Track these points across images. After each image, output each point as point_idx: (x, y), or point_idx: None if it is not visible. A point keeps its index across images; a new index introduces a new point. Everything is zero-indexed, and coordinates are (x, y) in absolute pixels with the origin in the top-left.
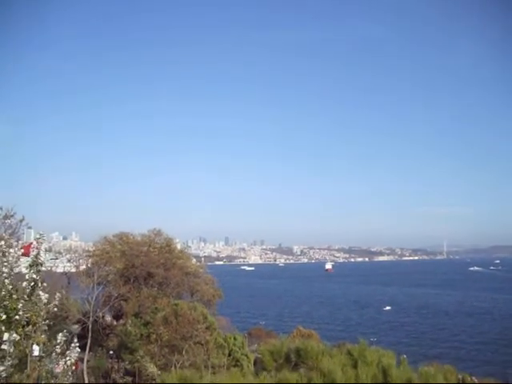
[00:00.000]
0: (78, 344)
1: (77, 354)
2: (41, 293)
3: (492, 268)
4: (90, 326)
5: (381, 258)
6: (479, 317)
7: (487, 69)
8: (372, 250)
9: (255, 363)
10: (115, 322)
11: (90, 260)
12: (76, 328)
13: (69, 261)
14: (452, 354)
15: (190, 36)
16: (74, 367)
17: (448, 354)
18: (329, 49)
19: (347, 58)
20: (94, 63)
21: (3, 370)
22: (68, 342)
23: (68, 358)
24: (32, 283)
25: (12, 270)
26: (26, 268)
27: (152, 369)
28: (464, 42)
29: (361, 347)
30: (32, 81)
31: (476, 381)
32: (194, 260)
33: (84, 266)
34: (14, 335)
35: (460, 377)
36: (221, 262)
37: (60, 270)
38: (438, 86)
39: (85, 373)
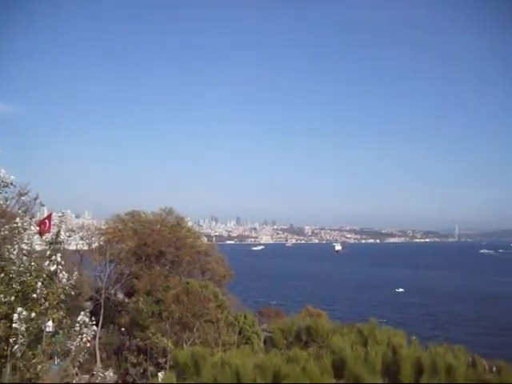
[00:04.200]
0: (94, 322)
1: (93, 332)
2: (58, 271)
3: (501, 251)
4: (103, 303)
5: (392, 240)
6: (494, 301)
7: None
8: (383, 231)
9: (265, 342)
10: (127, 300)
11: (102, 238)
12: (88, 305)
13: (81, 238)
14: (465, 338)
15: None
16: (88, 344)
17: (461, 338)
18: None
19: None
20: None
21: (17, 348)
22: (85, 321)
23: (84, 335)
24: (53, 263)
25: (31, 247)
26: (40, 245)
27: (165, 344)
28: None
29: (371, 326)
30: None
31: (485, 363)
32: (206, 239)
33: (96, 244)
34: (24, 313)
35: (470, 358)
36: (232, 242)
37: (73, 247)
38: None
39: (97, 349)
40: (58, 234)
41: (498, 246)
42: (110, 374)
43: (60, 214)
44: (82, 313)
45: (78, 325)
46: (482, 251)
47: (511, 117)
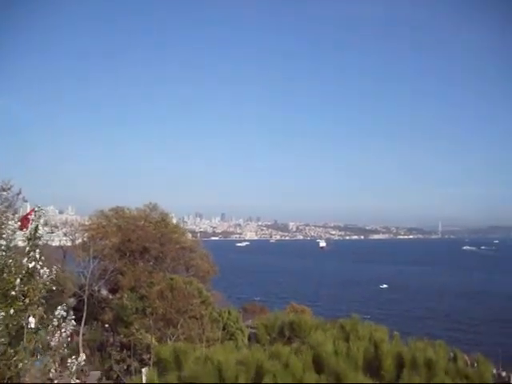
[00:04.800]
0: (73, 317)
1: (72, 327)
2: (39, 267)
3: (483, 248)
4: (86, 300)
5: (376, 237)
6: (471, 297)
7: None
8: (367, 228)
9: (249, 338)
10: (111, 296)
11: (85, 234)
12: (72, 301)
13: (65, 234)
14: (446, 333)
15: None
16: (69, 339)
17: (442, 333)
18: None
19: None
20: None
21: None
22: (63, 316)
23: (63, 330)
24: (31, 258)
25: (10, 243)
26: (24, 241)
27: (148, 340)
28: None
29: (353, 322)
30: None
31: (467, 358)
32: (190, 235)
33: (80, 240)
34: (2, 314)
35: (451, 353)
36: (216, 238)
37: (56, 243)
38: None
39: (80, 345)
40: (36, 229)
41: (480, 243)
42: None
43: (37, 209)
44: (59, 307)
45: (55, 319)
46: (464, 248)
47: (501, 115)
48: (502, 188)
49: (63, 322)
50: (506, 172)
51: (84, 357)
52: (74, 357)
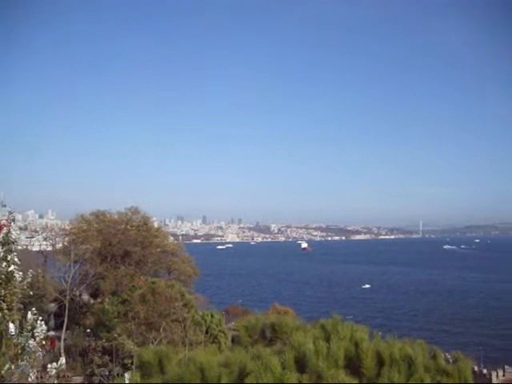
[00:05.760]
0: (43, 321)
1: (44, 331)
2: (15, 271)
3: (463, 247)
4: (67, 305)
5: (358, 237)
6: (456, 295)
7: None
8: (349, 228)
9: (233, 340)
10: (92, 301)
11: (66, 238)
12: (53, 306)
13: (45, 239)
14: (428, 333)
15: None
16: (44, 343)
17: (424, 333)
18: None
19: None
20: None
21: None
22: (45, 321)
23: (37, 335)
24: (10, 262)
25: None
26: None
27: (130, 346)
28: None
29: (334, 322)
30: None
31: (448, 356)
32: (172, 238)
33: (60, 245)
34: None
35: (432, 352)
36: (198, 241)
37: (36, 248)
38: (423, 68)
39: (62, 351)
40: (8, 233)
41: (461, 242)
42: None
43: (8, 213)
44: (29, 312)
45: (28, 324)
46: (445, 247)
47: (474, 117)
48: (479, 188)
49: (33, 328)
50: (482, 172)
51: (64, 361)
52: (54, 362)
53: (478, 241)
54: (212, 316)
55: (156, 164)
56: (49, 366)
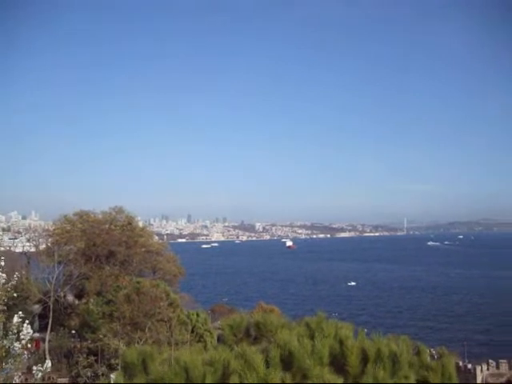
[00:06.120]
0: (28, 323)
1: (30, 333)
2: None
3: (446, 243)
4: (51, 306)
5: (342, 235)
6: (439, 292)
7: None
8: (334, 226)
9: (218, 339)
10: (77, 301)
11: (50, 239)
12: (37, 308)
13: (28, 240)
14: (413, 329)
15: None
16: (30, 346)
17: (408, 329)
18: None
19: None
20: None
21: None
22: (31, 323)
23: (22, 337)
24: None
25: None
26: None
27: (116, 345)
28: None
29: (319, 319)
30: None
31: (434, 352)
32: (157, 238)
33: (44, 246)
34: None
35: (416, 348)
36: (183, 240)
37: (19, 249)
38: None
39: (47, 352)
40: None
41: (444, 238)
42: None
43: None
44: (16, 316)
45: (14, 327)
46: (429, 243)
47: (459, 114)
48: (463, 185)
49: (22, 329)
50: (466, 169)
51: (50, 364)
52: (39, 364)
53: (461, 237)
54: (198, 315)
55: (140, 164)
56: (34, 368)
